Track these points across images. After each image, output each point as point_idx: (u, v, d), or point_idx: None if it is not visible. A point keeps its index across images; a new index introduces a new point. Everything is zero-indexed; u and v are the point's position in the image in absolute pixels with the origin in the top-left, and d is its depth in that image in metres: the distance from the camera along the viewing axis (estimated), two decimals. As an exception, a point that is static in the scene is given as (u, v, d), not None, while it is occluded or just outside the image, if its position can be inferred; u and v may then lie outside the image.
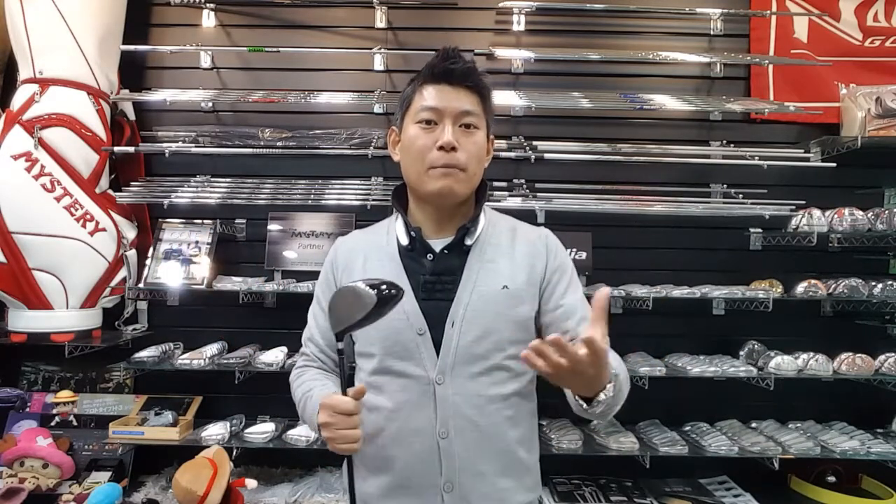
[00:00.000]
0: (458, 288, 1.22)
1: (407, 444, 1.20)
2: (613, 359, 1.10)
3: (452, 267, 1.24)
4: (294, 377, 1.39)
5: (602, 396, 1.03)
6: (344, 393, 1.10)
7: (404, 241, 1.28)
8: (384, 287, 1.06)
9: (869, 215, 2.17)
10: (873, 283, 2.19)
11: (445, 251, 1.25)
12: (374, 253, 1.30)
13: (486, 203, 1.35)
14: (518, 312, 1.24)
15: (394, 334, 1.22)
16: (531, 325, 1.27)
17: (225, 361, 2.13)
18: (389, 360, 1.21)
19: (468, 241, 1.26)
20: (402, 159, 1.28)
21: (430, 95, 1.22)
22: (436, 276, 1.23)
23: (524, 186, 2.32)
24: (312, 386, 1.28)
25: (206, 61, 2.45)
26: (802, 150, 2.32)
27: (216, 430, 2.10)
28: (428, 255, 1.25)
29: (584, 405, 1.06)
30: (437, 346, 1.21)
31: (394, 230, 1.31)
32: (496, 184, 2.30)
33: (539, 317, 1.27)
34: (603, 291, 0.95)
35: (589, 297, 1.30)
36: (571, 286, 1.28)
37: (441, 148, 1.20)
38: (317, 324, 1.36)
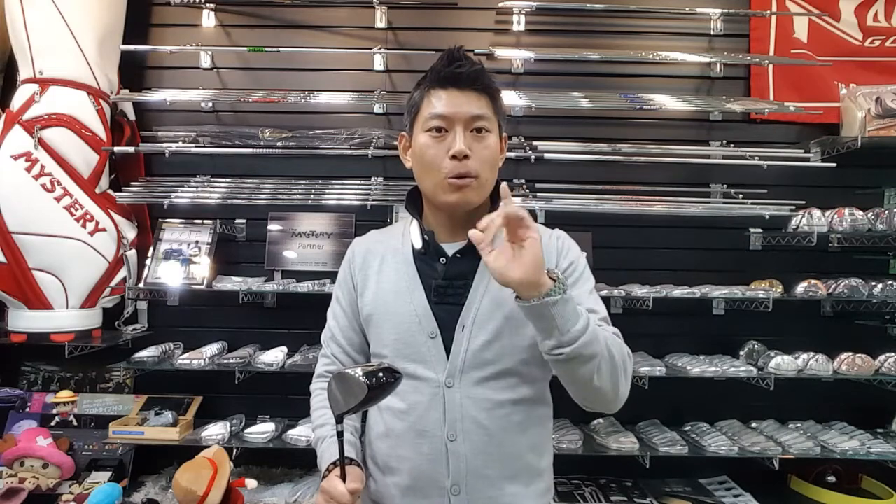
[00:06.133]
0: (469, 292, 1.22)
1: (416, 445, 1.21)
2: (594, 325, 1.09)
3: (464, 271, 1.24)
4: (314, 393, 1.39)
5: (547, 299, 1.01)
6: (343, 474, 1.10)
7: (418, 244, 1.28)
8: (381, 375, 1.06)
9: (869, 215, 2.17)
10: (873, 283, 2.19)
11: (458, 255, 1.25)
12: (391, 255, 1.30)
13: None
14: None
15: (405, 336, 1.23)
16: None
17: (225, 361, 2.13)
18: (400, 362, 1.20)
19: None
20: (415, 168, 1.27)
21: (438, 102, 1.20)
22: (447, 281, 1.23)
23: (524, 186, 2.32)
24: (326, 421, 1.28)
25: (206, 61, 2.45)
26: (802, 150, 2.32)
27: (216, 430, 2.10)
28: (441, 259, 1.25)
29: (528, 305, 1.03)
30: (448, 349, 1.21)
31: (409, 233, 1.31)
32: (496, 184, 2.29)
33: None
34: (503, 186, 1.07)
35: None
36: (580, 281, 1.25)
37: (454, 157, 1.18)
38: (337, 324, 1.36)
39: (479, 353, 1.20)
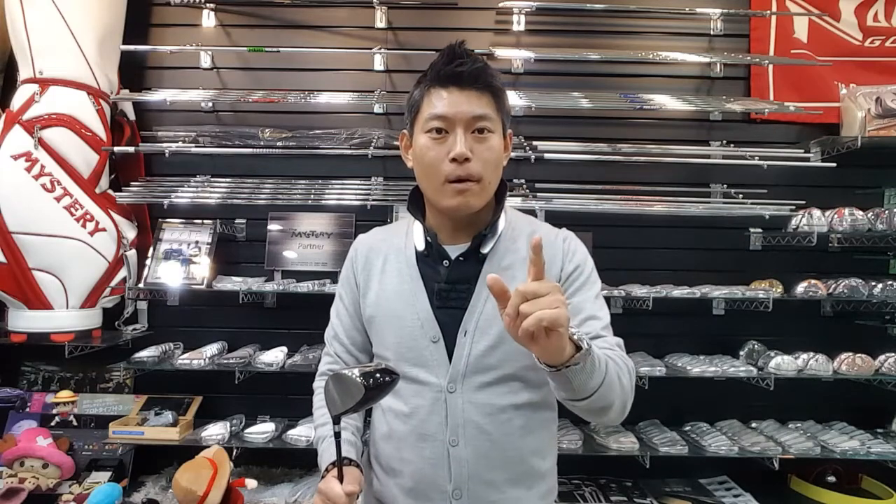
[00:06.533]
0: (472, 296, 1.20)
1: (418, 449, 1.20)
2: (602, 350, 1.05)
3: (467, 275, 1.21)
4: (316, 391, 1.37)
5: (571, 364, 0.94)
6: (340, 476, 1.09)
7: (420, 246, 1.25)
8: (378, 375, 1.05)
9: (869, 215, 2.17)
10: (873, 283, 2.19)
11: (461, 258, 1.22)
12: (394, 255, 1.28)
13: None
14: None
15: (408, 340, 1.21)
16: None
17: (225, 361, 2.13)
18: (402, 365, 1.19)
19: (483, 250, 1.22)
20: (416, 169, 1.23)
21: (438, 102, 1.16)
22: (450, 285, 1.21)
23: (524, 186, 2.32)
24: (328, 420, 1.23)
25: (206, 61, 2.45)
26: (802, 150, 2.32)
27: (216, 430, 2.10)
28: (444, 262, 1.22)
29: (549, 369, 0.97)
30: (450, 354, 1.19)
31: (412, 232, 1.28)
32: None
33: None
34: (535, 238, 0.91)
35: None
36: (585, 286, 1.22)
37: (454, 160, 1.14)
38: (340, 322, 1.34)
39: (481, 359, 1.18)
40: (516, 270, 1.20)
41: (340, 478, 1.09)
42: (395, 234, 1.32)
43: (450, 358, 1.19)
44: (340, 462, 1.10)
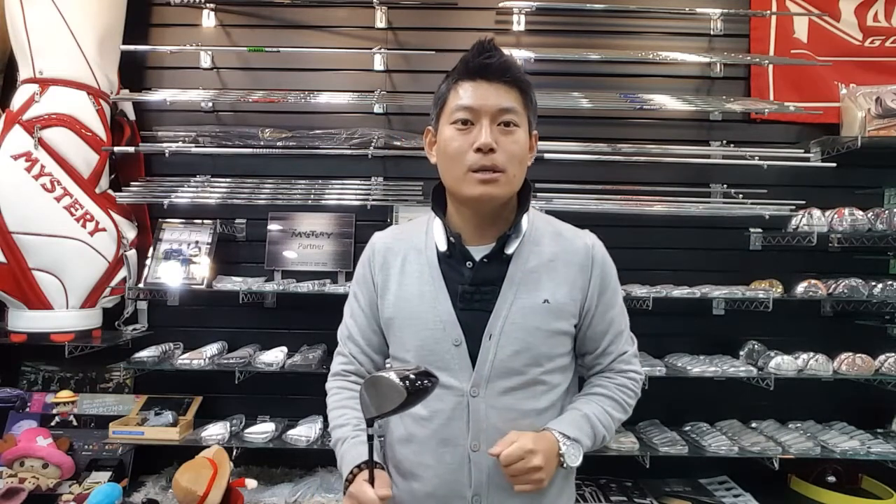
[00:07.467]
0: (497, 299, 1.18)
1: (438, 454, 1.18)
2: (604, 397, 1.24)
3: (492, 277, 1.19)
4: (331, 392, 1.33)
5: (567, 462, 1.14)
6: (371, 479, 1.06)
7: (443, 246, 1.22)
8: (416, 379, 1.02)
9: (869, 215, 2.17)
10: (873, 283, 2.19)
11: (485, 260, 1.20)
12: (413, 256, 1.25)
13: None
14: (557, 327, 1.19)
15: (429, 343, 1.19)
16: (569, 340, 1.23)
17: (225, 361, 2.13)
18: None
19: (508, 251, 1.20)
20: (439, 162, 1.22)
21: (465, 93, 1.16)
22: (474, 287, 1.19)
23: (524, 186, 2.31)
24: (347, 422, 1.24)
25: (206, 61, 2.45)
26: (802, 150, 2.32)
27: (216, 430, 2.10)
28: (467, 263, 1.20)
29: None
30: (473, 357, 1.17)
31: (432, 232, 1.25)
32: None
33: (577, 329, 1.24)
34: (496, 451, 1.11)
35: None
36: (614, 299, 1.25)
37: (478, 150, 1.13)
38: (355, 322, 1.31)
39: (506, 363, 1.16)
40: (541, 273, 1.20)
41: (371, 481, 1.06)
42: (414, 233, 1.29)
43: (473, 362, 1.17)
44: (372, 465, 1.07)
